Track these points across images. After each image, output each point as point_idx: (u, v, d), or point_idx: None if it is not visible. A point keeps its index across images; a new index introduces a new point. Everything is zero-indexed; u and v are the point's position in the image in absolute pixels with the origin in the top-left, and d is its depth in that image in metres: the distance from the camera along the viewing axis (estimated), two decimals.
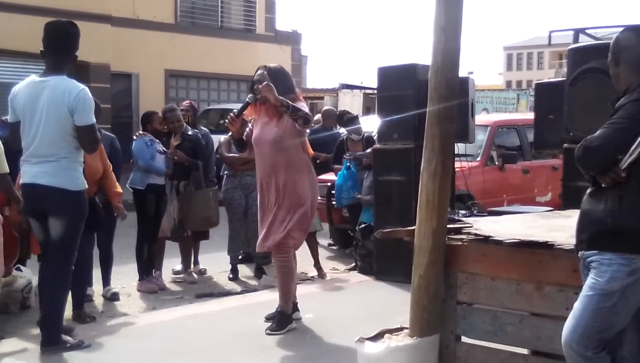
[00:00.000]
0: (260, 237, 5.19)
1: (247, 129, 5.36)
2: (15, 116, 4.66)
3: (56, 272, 4.68)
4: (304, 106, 5.20)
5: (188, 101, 8.17)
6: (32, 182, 4.55)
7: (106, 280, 6.35)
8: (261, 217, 5.23)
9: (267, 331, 5.09)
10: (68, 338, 4.73)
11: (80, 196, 4.65)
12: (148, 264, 6.83)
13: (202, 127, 8.46)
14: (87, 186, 4.79)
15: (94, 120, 4.66)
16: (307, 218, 5.19)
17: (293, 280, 5.26)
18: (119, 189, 5.92)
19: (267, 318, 5.28)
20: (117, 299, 6.26)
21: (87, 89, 4.62)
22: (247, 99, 5.24)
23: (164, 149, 6.83)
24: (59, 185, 4.50)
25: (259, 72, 5.18)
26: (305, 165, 5.21)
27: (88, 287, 6.18)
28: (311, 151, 7.39)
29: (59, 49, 4.62)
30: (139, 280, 6.72)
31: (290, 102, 5.00)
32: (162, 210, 6.85)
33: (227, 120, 5.22)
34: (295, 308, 5.34)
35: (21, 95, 4.60)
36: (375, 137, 7.74)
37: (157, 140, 6.85)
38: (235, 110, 5.22)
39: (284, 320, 5.15)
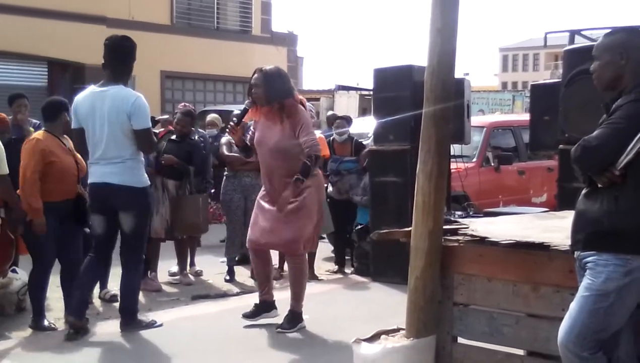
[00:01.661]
0: (254, 233, 5.17)
1: (250, 133, 5.36)
2: (78, 123, 5.12)
3: (130, 261, 5.18)
4: (309, 132, 5.10)
5: (184, 104, 8.07)
6: (102, 181, 5.02)
7: (104, 283, 6.34)
8: (258, 215, 5.20)
9: (278, 329, 5.17)
10: (142, 318, 5.31)
11: (146, 192, 5.16)
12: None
13: (199, 129, 8.41)
14: (149, 183, 5.29)
15: (150, 124, 5.19)
16: (312, 220, 5.18)
17: (305, 280, 5.36)
18: None
19: (245, 316, 5.34)
20: (116, 301, 6.23)
21: (142, 97, 5.07)
22: (244, 105, 5.23)
23: None
24: (127, 183, 4.99)
25: (255, 75, 5.14)
26: None
27: None
28: (327, 152, 7.41)
29: (115, 61, 5.10)
30: None
31: (299, 176, 4.98)
32: (150, 210, 6.81)
33: (227, 129, 5.28)
34: (273, 306, 5.40)
35: (83, 104, 5.07)
36: (369, 140, 7.71)
37: None
38: (234, 118, 5.25)
39: (295, 318, 5.23)
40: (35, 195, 5.12)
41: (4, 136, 6.07)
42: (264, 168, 5.19)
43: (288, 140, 5.05)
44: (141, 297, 6.51)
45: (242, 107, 5.38)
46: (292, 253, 5.24)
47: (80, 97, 5.13)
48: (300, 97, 5.37)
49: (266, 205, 5.19)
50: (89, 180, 5.15)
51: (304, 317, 5.37)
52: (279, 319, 5.31)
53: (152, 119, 7.03)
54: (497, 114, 19.46)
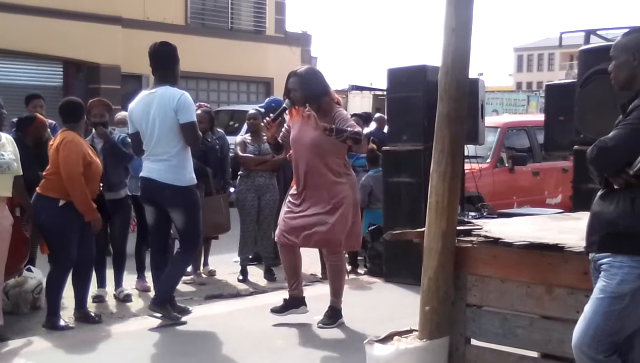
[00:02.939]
0: (288, 230, 5.22)
1: (283, 130, 5.42)
2: (134, 127, 5.45)
3: (177, 254, 5.54)
4: (347, 119, 5.21)
5: (199, 104, 8.05)
6: (147, 176, 5.37)
7: (118, 281, 6.36)
8: (292, 211, 5.24)
9: (319, 324, 5.29)
10: (173, 312, 5.42)
11: (189, 190, 5.36)
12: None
13: (218, 129, 8.27)
14: (196, 181, 5.46)
15: (195, 118, 5.38)
16: (348, 218, 5.21)
17: (344, 277, 5.47)
18: None
19: (273, 310, 5.40)
20: (130, 300, 6.27)
21: (186, 94, 5.36)
22: (284, 105, 5.34)
23: None
24: (168, 181, 5.26)
25: (291, 79, 5.24)
26: (342, 167, 5.25)
27: (100, 287, 6.22)
28: (373, 145, 7.43)
29: (158, 65, 5.44)
30: (137, 278, 6.74)
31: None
32: None
33: (263, 123, 5.38)
34: (303, 302, 5.43)
35: (136, 109, 5.42)
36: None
37: None
38: (271, 114, 5.33)
39: (335, 314, 5.33)
40: (89, 197, 5.24)
41: (42, 137, 6.11)
42: (300, 165, 5.23)
43: (324, 137, 5.06)
44: None
45: (255, 106, 5.43)
46: (330, 250, 5.33)
47: (133, 104, 5.51)
48: (336, 95, 5.43)
49: (298, 207, 5.23)
50: (141, 174, 5.49)
51: (316, 317, 5.38)
52: (307, 317, 5.38)
53: None
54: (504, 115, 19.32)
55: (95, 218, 5.33)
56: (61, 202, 5.23)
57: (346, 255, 8.06)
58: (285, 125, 5.46)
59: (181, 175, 5.31)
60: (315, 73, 5.35)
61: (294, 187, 5.35)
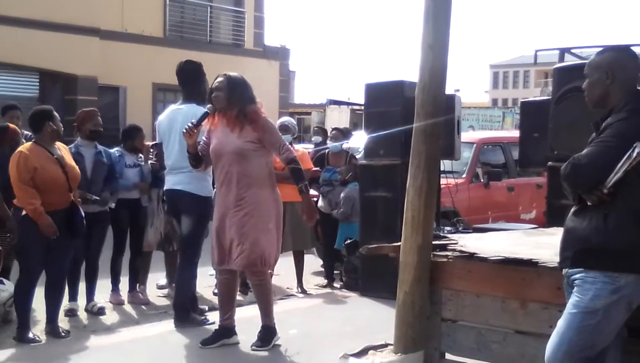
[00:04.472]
0: (218, 252, 5.02)
1: (202, 142, 5.12)
2: (159, 138, 5.80)
3: (183, 260, 5.76)
4: (274, 132, 5.06)
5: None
6: (171, 188, 5.63)
7: (91, 295, 6.29)
8: (218, 232, 5.02)
9: (253, 347, 5.03)
10: (196, 316, 5.73)
11: (208, 201, 5.58)
12: (132, 277, 6.80)
13: None
14: (213, 193, 5.58)
15: None
16: (272, 234, 4.98)
17: (270, 295, 5.20)
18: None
19: (203, 343, 5.08)
20: (103, 313, 6.19)
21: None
22: (205, 109, 5.03)
23: (138, 161, 6.78)
24: (191, 191, 5.51)
25: (219, 79, 5.02)
26: (268, 179, 5.00)
27: (72, 301, 6.14)
28: (311, 165, 7.37)
29: (184, 82, 5.79)
30: (111, 291, 6.67)
31: (301, 186, 4.94)
32: (140, 224, 6.79)
33: (184, 131, 4.98)
34: (234, 332, 5.17)
35: (163, 122, 5.74)
36: (360, 154, 7.72)
37: (132, 153, 6.79)
38: (192, 121, 4.98)
39: (268, 334, 5.09)
40: (33, 197, 5.10)
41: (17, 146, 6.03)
42: (222, 175, 4.97)
43: (249, 145, 4.90)
44: (129, 309, 6.50)
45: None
46: (250, 270, 5.03)
47: (161, 116, 5.88)
48: (263, 109, 5.13)
49: (222, 223, 4.99)
50: (164, 187, 5.79)
51: (291, 331, 5.34)
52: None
53: (138, 130, 7.01)
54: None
55: (42, 221, 5.12)
56: (24, 212, 5.17)
57: (322, 269, 8.10)
58: (203, 137, 5.13)
59: (202, 186, 5.53)
60: (245, 82, 5.06)
61: (220, 201, 5.06)
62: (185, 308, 5.65)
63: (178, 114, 5.57)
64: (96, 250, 6.30)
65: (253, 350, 5.01)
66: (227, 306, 5.16)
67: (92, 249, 6.23)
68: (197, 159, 5.09)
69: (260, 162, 4.96)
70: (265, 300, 5.10)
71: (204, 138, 5.13)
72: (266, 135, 4.94)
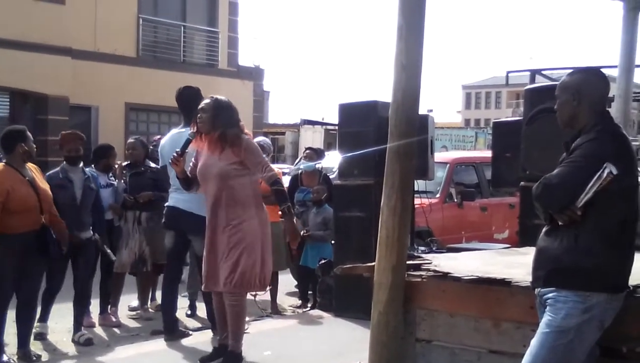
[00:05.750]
0: (207, 274, 5.05)
1: (191, 164, 5.17)
2: (163, 161, 5.93)
3: (172, 275, 6.06)
4: (256, 153, 5.10)
5: (159, 136, 8.12)
6: (174, 205, 5.79)
7: (78, 325, 6.03)
8: (207, 253, 5.05)
9: None
10: (182, 329, 6.15)
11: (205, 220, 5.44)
12: (103, 299, 6.71)
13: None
14: None
15: None
16: (256, 254, 4.96)
17: (243, 320, 5.17)
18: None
19: (202, 361, 5.13)
20: (91, 344, 5.91)
21: None
22: (188, 136, 5.10)
23: (110, 180, 6.74)
24: (191, 210, 5.61)
25: (206, 101, 5.09)
26: (252, 200, 5.02)
27: (42, 322, 6.01)
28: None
29: (183, 107, 5.99)
30: (100, 314, 6.58)
31: (284, 208, 5.09)
32: (113, 245, 6.70)
33: (170, 160, 5.11)
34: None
35: (166, 145, 5.92)
36: (334, 174, 7.72)
37: (105, 173, 6.74)
38: (177, 150, 5.06)
39: (234, 361, 5.01)
40: None
41: None
42: (209, 198, 5.03)
43: (231, 168, 4.93)
44: (100, 332, 6.41)
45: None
46: (227, 290, 4.98)
47: (163, 140, 6.20)
48: (247, 131, 5.23)
49: (210, 247, 5.03)
50: (167, 203, 5.92)
51: (266, 353, 5.30)
52: None
53: (111, 148, 6.96)
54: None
55: None
56: None
57: (296, 289, 8.06)
58: (192, 159, 5.20)
59: (202, 205, 5.37)
60: (231, 106, 5.13)
61: (207, 229, 5.09)
62: (175, 320, 5.97)
63: (180, 137, 5.52)
64: (84, 279, 6.09)
65: None
66: (224, 325, 5.13)
67: (80, 277, 6.03)
68: (188, 182, 5.20)
69: (244, 183, 5.00)
70: (237, 322, 5.05)
71: (192, 160, 5.20)
72: (248, 156, 4.99)
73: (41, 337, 5.94)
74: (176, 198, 5.76)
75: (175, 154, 5.04)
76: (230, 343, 5.03)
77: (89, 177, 6.09)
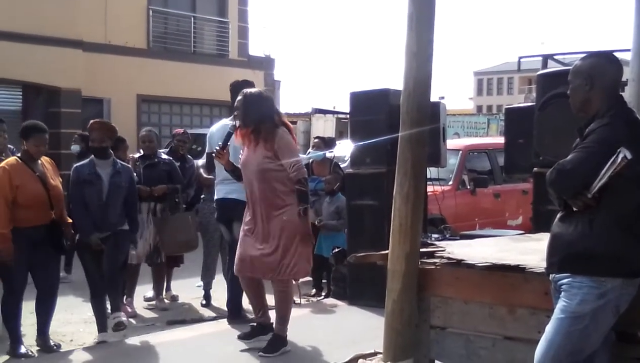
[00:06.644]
0: (240, 259, 5.17)
1: (240, 154, 5.31)
2: (210, 148, 6.04)
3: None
4: (290, 150, 5.11)
5: (181, 130, 8.12)
6: (224, 197, 5.95)
7: (115, 308, 5.73)
8: (244, 238, 5.19)
9: (260, 353, 5.10)
10: (246, 314, 6.13)
11: None
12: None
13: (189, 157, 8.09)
14: None
15: None
16: (296, 246, 5.08)
17: (290, 304, 5.34)
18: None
19: (240, 337, 5.36)
20: (124, 327, 5.71)
21: None
22: (228, 129, 5.27)
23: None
24: (242, 199, 5.49)
25: (238, 97, 5.21)
26: (291, 192, 5.10)
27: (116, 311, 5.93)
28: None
29: (232, 100, 5.73)
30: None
31: (300, 207, 5.07)
32: None
33: (213, 154, 5.36)
34: (270, 329, 5.30)
35: (216, 134, 6.00)
36: (346, 163, 7.72)
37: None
38: (220, 143, 5.25)
39: (278, 343, 5.17)
40: (3, 226, 5.08)
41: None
42: (248, 190, 5.19)
43: (267, 163, 5.03)
44: None
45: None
46: (274, 278, 5.17)
47: (213, 127, 6.32)
48: (285, 120, 5.35)
49: (249, 234, 5.17)
50: (215, 196, 6.07)
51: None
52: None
53: (122, 141, 6.97)
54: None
55: (2, 245, 5.05)
56: None
57: (310, 278, 8.08)
58: (240, 150, 5.33)
59: None
60: (262, 97, 5.21)
61: (248, 213, 5.22)
62: (240, 306, 6.10)
63: (226, 128, 5.52)
64: (110, 264, 5.66)
65: (260, 356, 5.07)
66: (257, 305, 5.37)
67: (106, 264, 5.63)
68: (237, 173, 5.33)
69: (282, 177, 5.07)
70: (284, 307, 5.23)
71: (242, 151, 5.34)
72: (279, 152, 5.07)
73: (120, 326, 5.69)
74: (227, 189, 5.88)
75: (217, 147, 5.22)
76: (277, 327, 5.23)
77: (119, 172, 5.71)
